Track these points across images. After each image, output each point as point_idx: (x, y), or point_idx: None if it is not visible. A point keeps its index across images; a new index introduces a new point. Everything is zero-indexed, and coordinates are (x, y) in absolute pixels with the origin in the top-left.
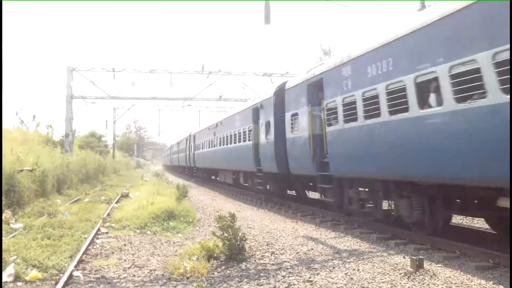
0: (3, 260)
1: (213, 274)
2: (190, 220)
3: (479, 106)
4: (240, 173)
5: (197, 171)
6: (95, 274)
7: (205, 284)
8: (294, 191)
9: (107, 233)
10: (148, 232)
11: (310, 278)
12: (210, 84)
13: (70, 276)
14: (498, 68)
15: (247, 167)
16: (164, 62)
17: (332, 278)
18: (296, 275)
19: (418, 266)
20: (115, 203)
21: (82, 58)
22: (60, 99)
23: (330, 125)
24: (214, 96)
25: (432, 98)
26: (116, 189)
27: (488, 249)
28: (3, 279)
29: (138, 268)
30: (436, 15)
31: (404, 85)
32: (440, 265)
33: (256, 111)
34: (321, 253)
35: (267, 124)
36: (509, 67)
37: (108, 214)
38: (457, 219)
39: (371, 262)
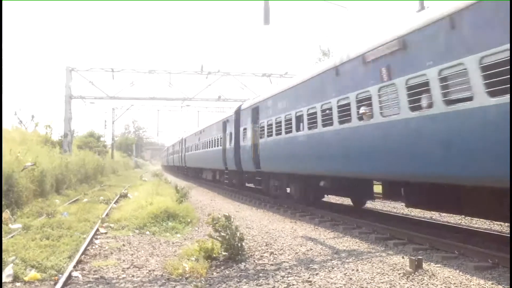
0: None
1: (212, 274)
2: (189, 220)
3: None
4: (216, 171)
5: (187, 170)
6: (94, 275)
7: (204, 284)
8: (251, 184)
9: (106, 233)
10: (147, 232)
11: (309, 278)
12: (209, 85)
13: (69, 276)
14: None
15: (219, 167)
16: (163, 62)
17: (331, 278)
18: (295, 276)
19: (417, 266)
20: (114, 203)
21: (81, 58)
22: (59, 99)
23: (261, 137)
24: (213, 96)
25: (304, 123)
26: (115, 189)
27: (486, 249)
28: (2, 280)
29: (137, 269)
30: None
31: (291, 118)
32: (439, 265)
33: (224, 124)
34: (320, 253)
35: (230, 135)
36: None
37: (107, 215)
38: (455, 219)
39: (370, 262)
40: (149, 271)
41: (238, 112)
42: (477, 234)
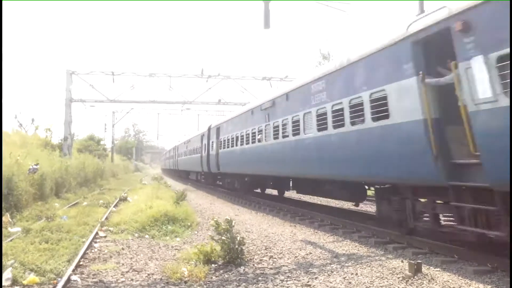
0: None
1: (211, 278)
2: (189, 224)
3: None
4: (198, 173)
5: (179, 172)
6: (93, 278)
7: None
8: (221, 183)
9: (105, 237)
10: (146, 236)
11: (308, 282)
12: (209, 88)
13: (68, 280)
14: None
15: (199, 169)
16: (163, 66)
17: (331, 283)
18: (295, 279)
19: (416, 270)
20: (114, 206)
21: (82, 62)
22: (59, 102)
23: (221, 149)
24: (213, 100)
25: (238, 141)
26: (114, 193)
27: (486, 253)
28: (2, 284)
29: (136, 272)
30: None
31: (233, 136)
32: (438, 269)
33: (202, 137)
34: (319, 257)
35: (205, 145)
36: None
37: (107, 218)
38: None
39: (369, 266)
40: (148, 274)
41: (209, 129)
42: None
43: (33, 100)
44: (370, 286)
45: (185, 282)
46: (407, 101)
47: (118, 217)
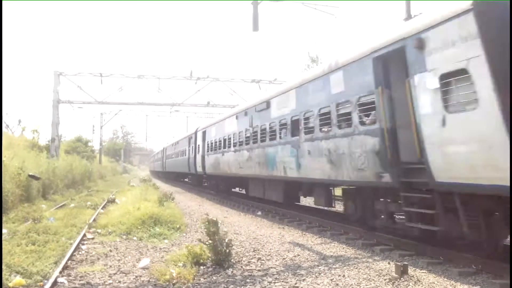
0: None
1: (199, 280)
2: (177, 226)
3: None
4: (185, 174)
5: (167, 174)
6: (80, 280)
7: None
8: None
9: (92, 239)
10: (134, 238)
11: (296, 284)
12: (198, 90)
13: (55, 282)
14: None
15: (186, 171)
16: (152, 67)
17: (318, 284)
18: (282, 281)
19: (402, 272)
20: (101, 208)
21: (70, 63)
22: (46, 103)
23: (207, 151)
24: (202, 102)
25: (217, 147)
26: (102, 195)
27: (471, 255)
28: None
29: (124, 274)
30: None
31: (221, 140)
32: (424, 271)
33: (189, 139)
34: (307, 259)
35: (192, 148)
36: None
37: (94, 220)
38: None
39: (356, 268)
40: (136, 277)
41: (195, 133)
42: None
43: (20, 101)
44: None
45: (173, 284)
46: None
47: (106, 219)
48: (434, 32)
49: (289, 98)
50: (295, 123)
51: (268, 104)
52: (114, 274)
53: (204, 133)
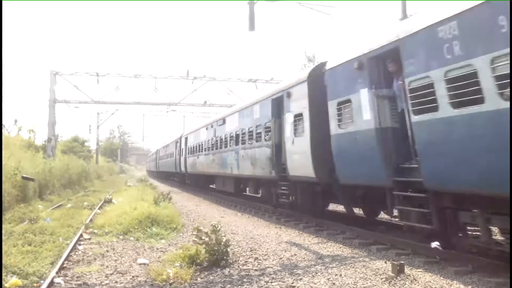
0: None
1: (196, 280)
2: (174, 226)
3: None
4: (173, 173)
5: (160, 173)
6: (76, 281)
7: None
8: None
9: (89, 239)
10: (131, 238)
11: (292, 283)
12: (195, 90)
13: (51, 283)
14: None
15: (174, 170)
16: (148, 67)
17: (315, 284)
18: (279, 281)
19: (399, 271)
20: (98, 208)
21: (66, 62)
22: (42, 103)
23: (188, 154)
24: (199, 101)
25: (197, 150)
26: (99, 195)
27: (467, 254)
28: None
29: (121, 275)
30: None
31: (197, 145)
32: (420, 270)
33: (176, 143)
34: (304, 258)
35: (178, 151)
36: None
37: (91, 220)
38: None
39: (353, 268)
40: (133, 277)
41: (180, 138)
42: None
43: (16, 101)
44: (353, 287)
45: (170, 284)
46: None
47: (102, 219)
48: (293, 89)
49: (235, 118)
50: (237, 136)
51: (224, 121)
52: (111, 274)
53: (186, 139)
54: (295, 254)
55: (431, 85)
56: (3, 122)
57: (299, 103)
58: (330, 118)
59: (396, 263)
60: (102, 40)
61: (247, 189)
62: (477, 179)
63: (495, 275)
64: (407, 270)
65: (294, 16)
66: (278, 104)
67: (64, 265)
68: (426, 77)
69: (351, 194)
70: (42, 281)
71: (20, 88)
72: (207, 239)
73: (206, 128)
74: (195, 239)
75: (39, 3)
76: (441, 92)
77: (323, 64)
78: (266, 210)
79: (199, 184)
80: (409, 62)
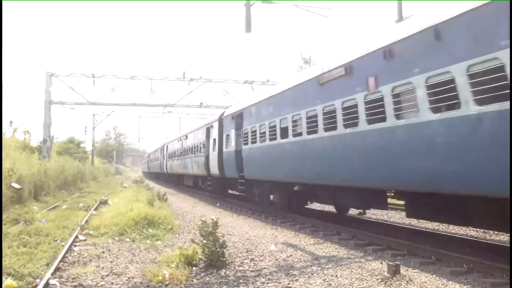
0: None
1: (192, 281)
2: (170, 227)
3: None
4: (159, 173)
5: (151, 173)
6: (72, 282)
7: None
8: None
9: (85, 240)
10: (127, 239)
11: (288, 284)
12: (191, 91)
13: (47, 284)
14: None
15: (160, 171)
16: (145, 68)
17: (311, 285)
18: (275, 282)
19: (394, 271)
20: (94, 210)
21: (62, 64)
22: (38, 104)
23: (168, 158)
24: (195, 103)
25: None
26: (94, 196)
27: (462, 255)
28: None
29: (116, 276)
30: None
31: (173, 152)
32: (416, 271)
33: (161, 149)
34: (300, 259)
35: (162, 155)
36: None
37: (86, 221)
38: (433, 225)
39: (349, 268)
40: (129, 278)
41: (164, 145)
42: (454, 239)
43: (11, 102)
44: None
45: (166, 285)
46: None
47: (98, 220)
48: (213, 124)
49: (191, 136)
50: (193, 148)
51: (186, 136)
52: (107, 275)
53: (167, 146)
54: (291, 255)
55: (248, 133)
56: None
57: (214, 133)
58: (223, 143)
59: (391, 263)
60: (98, 41)
61: (200, 182)
62: (260, 175)
63: (490, 276)
64: (402, 270)
65: (290, 17)
66: (208, 131)
67: (60, 267)
68: (249, 129)
69: (232, 182)
70: (38, 280)
71: (15, 89)
72: (207, 240)
73: (178, 140)
74: (192, 238)
75: (35, 3)
76: (254, 136)
77: (222, 113)
78: (262, 211)
79: (176, 181)
80: (246, 121)
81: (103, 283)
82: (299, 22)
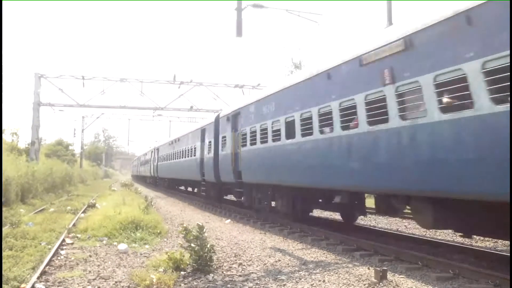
0: None
1: (180, 285)
2: (158, 231)
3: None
4: (149, 177)
5: (141, 177)
6: (58, 286)
7: None
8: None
9: (72, 243)
10: (115, 243)
11: None
12: (182, 94)
13: None
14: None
15: (150, 175)
16: (135, 71)
17: None
18: (263, 286)
19: (381, 277)
20: (82, 213)
21: (51, 65)
22: (26, 105)
23: (159, 161)
24: (186, 106)
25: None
26: (82, 199)
27: (449, 260)
28: None
29: (103, 280)
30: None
31: (164, 156)
32: (403, 276)
33: (151, 153)
34: (288, 264)
35: (152, 159)
36: None
37: (74, 225)
38: (420, 231)
39: (336, 273)
40: (116, 282)
41: (155, 148)
42: (441, 245)
43: None
44: None
45: None
46: None
47: (86, 223)
48: (208, 126)
49: (184, 139)
50: (185, 152)
51: (178, 140)
52: (94, 279)
53: (158, 149)
54: (279, 260)
55: (245, 134)
56: None
57: (209, 135)
58: (219, 145)
59: (379, 269)
60: (88, 43)
61: (193, 188)
62: (262, 178)
63: (476, 281)
64: (389, 276)
65: (282, 22)
66: (202, 134)
67: (46, 270)
68: (248, 130)
69: (223, 187)
70: (24, 285)
71: (3, 90)
72: (193, 243)
73: (169, 143)
74: (181, 242)
75: (24, 4)
76: (247, 138)
77: (218, 115)
78: (250, 216)
79: (166, 185)
80: (242, 121)
81: (89, 287)
82: (290, 27)
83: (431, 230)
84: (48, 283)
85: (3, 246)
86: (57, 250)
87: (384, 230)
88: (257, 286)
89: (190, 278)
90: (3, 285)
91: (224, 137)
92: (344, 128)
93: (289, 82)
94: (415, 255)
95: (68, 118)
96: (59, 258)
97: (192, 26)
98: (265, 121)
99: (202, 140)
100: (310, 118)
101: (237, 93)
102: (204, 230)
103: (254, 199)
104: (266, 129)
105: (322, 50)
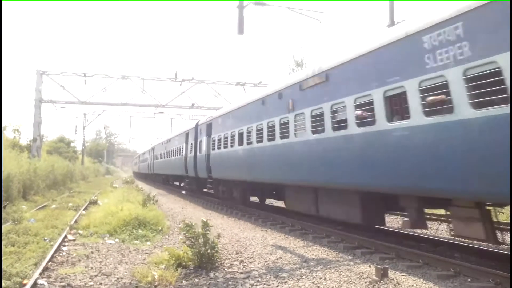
0: None
1: (182, 282)
2: (160, 228)
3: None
4: (147, 174)
5: (141, 174)
6: (60, 282)
7: None
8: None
9: (74, 240)
10: (117, 239)
11: (277, 286)
12: (183, 92)
13: (35, 284)
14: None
15: (147, 172)
16: (136, 68)
17: (300, 287)
18: (264, 284)
19: (383, 275)
20: (83, 210)
21: (53, 62)
22: (28, 102)
23: (154, 159)
24: (187, 103)
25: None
26: (84, 196)
27: (449, 259)
28: None
29: (105, 276)
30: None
31: (157, 154)
32: (404, 274)
33: (149, 151)
34: (289, 261)
35: (150, 157)
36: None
37: (76, 221)
38: (421, 230)
39: (337, 271)
40: (118, 278)
41: (151, 148)
42: (442, 244)
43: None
44: None
45: (155, 286)
46: None
47: (87, 220)
48: (190, 131)
49: (174, 140)
50: (174, 151)
51: (170, 140)
52: (95, 276)
53: (154, 148)
54: (281, 257)
55: (214, 141)
56: None
57: (191, 138)
58: (197, 147)
59: (380, 267)
60: (90, 41)
61: (179, 182)
62: (224, 174)
63: (476, 280)
64: (390, 274)
65: (284, 20)
66: (186, 136)
67: (48, 266)
68: (216, 137)
69: (203, 181)
70: (26, 281)
71: (5, 87)
72: (198, 240)
73: (162, 143)
74: (183, 238)
75: (26, 2)
76: (215, 143)
77: (198, 122)
78: (252, 213)
79: (161, 180)
80: (213, 129)
81: (91, 283)
82: (292, 24)
83: (431, 229)
84: (50, 279)
85: (5, 243)
86: (59, 246)
87: (385, 229)
88: (258, 284)
89: (192, 275)
90: (6, 281)
91: (201, 141)
92: (269, 140)
93: (239, 104)
94: (416, 253)
95: (69, 115)
96: (61, 254)
97: (194, 24)
98: (226, 131)
99: (186, 142)
100: (251, 131)
101: (238, 91)
102: (208, 227)
103: (220, 190)
104: (227, 137)
105: (324, 48)
